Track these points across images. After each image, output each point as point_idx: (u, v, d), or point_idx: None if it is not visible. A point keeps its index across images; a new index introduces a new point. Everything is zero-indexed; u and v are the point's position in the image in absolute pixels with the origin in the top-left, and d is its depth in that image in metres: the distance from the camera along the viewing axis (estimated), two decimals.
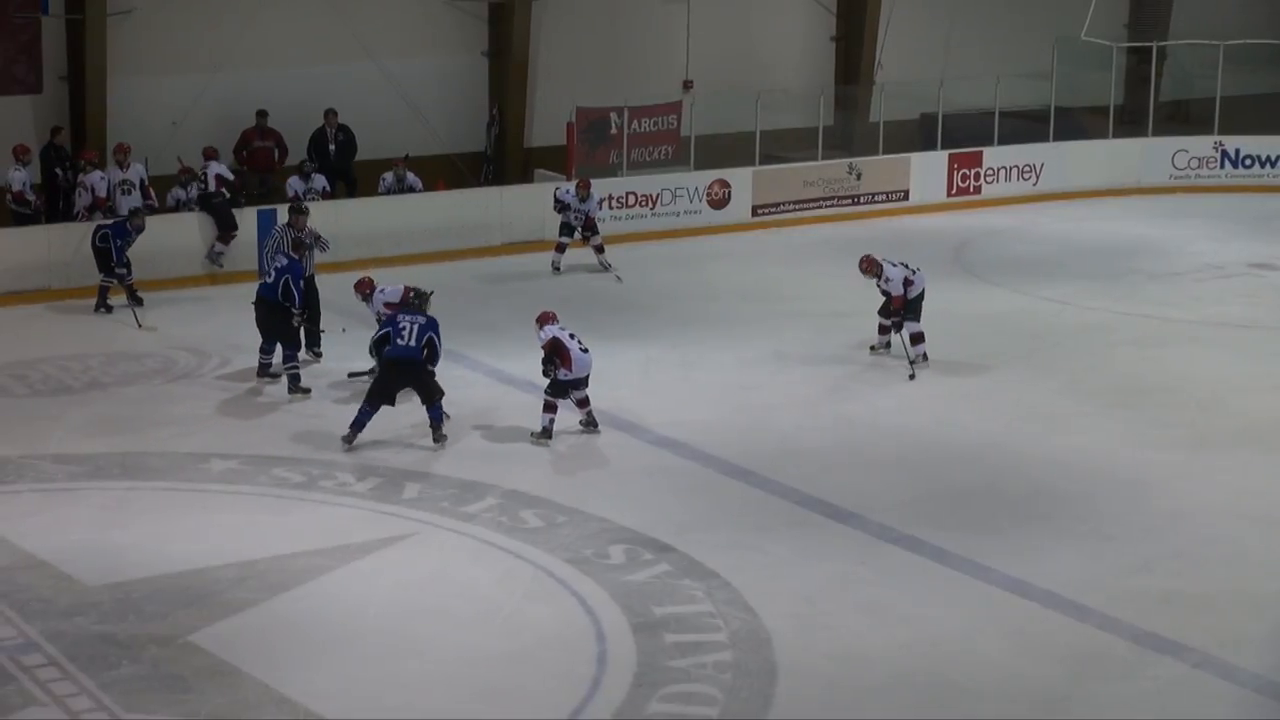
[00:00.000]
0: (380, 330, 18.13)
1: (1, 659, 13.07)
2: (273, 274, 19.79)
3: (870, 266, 20.82)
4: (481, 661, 13.20)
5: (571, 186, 25.76)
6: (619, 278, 25.18)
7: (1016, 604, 14.33)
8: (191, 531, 15.64)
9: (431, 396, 17.92)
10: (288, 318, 19.65)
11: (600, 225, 25.90)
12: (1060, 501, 16.68)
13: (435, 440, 17.89)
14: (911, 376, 20.36)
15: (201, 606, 13.98)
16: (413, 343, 17.75)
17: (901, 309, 20.68)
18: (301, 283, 19.86)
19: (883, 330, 21.09)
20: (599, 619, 13.89)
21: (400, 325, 17.88)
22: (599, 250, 25.66)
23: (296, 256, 20.15)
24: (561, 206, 25.54)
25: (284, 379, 19.79)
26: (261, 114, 27.19)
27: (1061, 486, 17.07)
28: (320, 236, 20.99)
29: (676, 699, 12.62)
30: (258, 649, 13.28)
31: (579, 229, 25.63)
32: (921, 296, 20.84)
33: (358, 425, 17.75)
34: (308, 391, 19.60)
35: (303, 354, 20.28)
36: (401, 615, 13.98)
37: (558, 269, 25.62)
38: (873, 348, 21.24)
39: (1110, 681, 13.06)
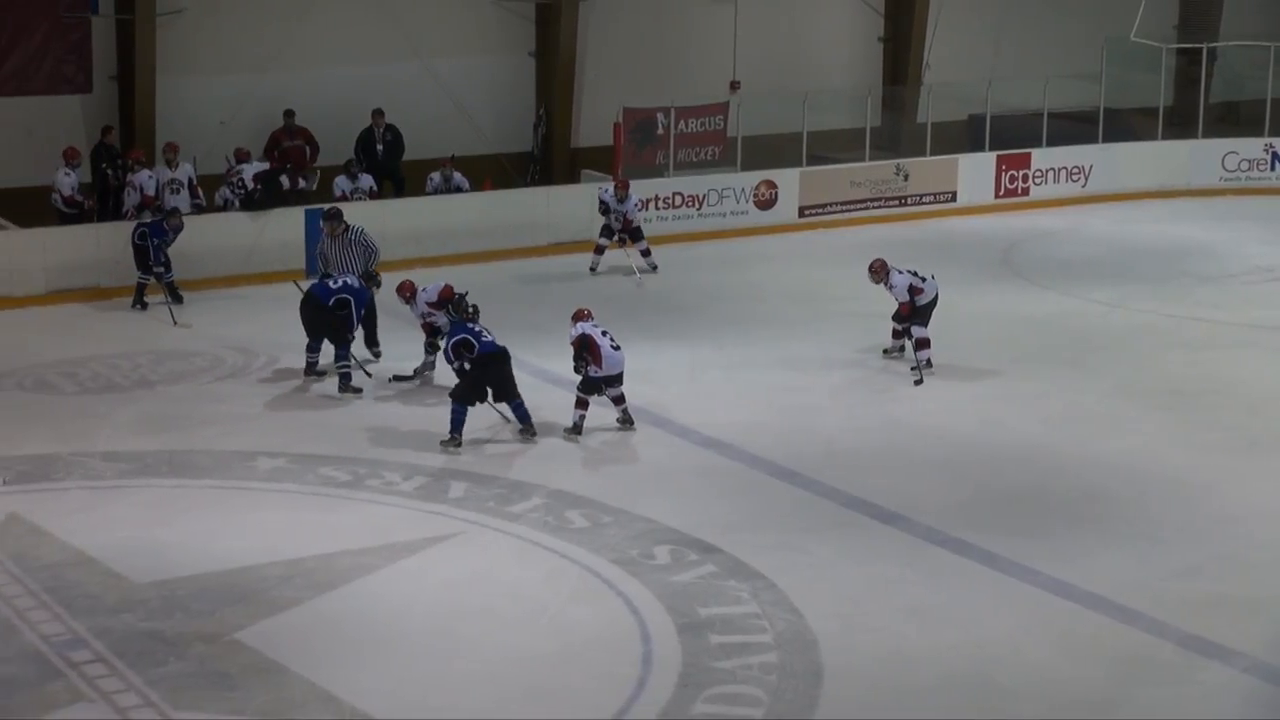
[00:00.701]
0: (456, 336, 18.19)
1: (50, 655, 13.14)
2: (339, 280, 19.84)
3: (878, 271, 20.79)
4: (527, 661, 13.20)
5: (611, 187, 25.78)
6: (639, 283, 25.14)
7: (1063, 607, 14.27)
8: (238, 529, 15.70)
9: (515, 393, 18.09)
10: (333, 316, 19.70)
11: (645, 226, 25.89)
12: (1108, 504, 16.59)
13: (524, 434, 18.11)
14: (917, 382, 20.27)
15: (248, 604, 14.02)
16: (499, 342, 18.08)
17: (908, 315, 20.64)
18: (363, 310, 20.01)
19: (896, 335, 21.07)
20: (644, 619, 13.88)
21: (476, 330, 18.18)
22: (645, 253, 25.65)
23: (368, 286, 20.22)
24: (604, 208, 25.57)
25: (331, 377, 19.87)
26: (289, 113, 27.22)
27: (1110, 489, 16.99)
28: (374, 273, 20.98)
29: (721, 700, 12.60)
30: (303, 647, 13.31)
31: (617, 231, 25.64)
32: (932, 304, 20.71)
33: (458, 426, 17.84)
34: (359, 390, 19.65)
35: (363, 353, 20.47)
36: (447, 615, 13.99)
37: (594, 270, 25.63)
38: (885, 351, 21.22)
39: (1157, 685, 13.00)
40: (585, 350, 18.19)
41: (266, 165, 26.01)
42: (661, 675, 12.94)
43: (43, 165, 25.04)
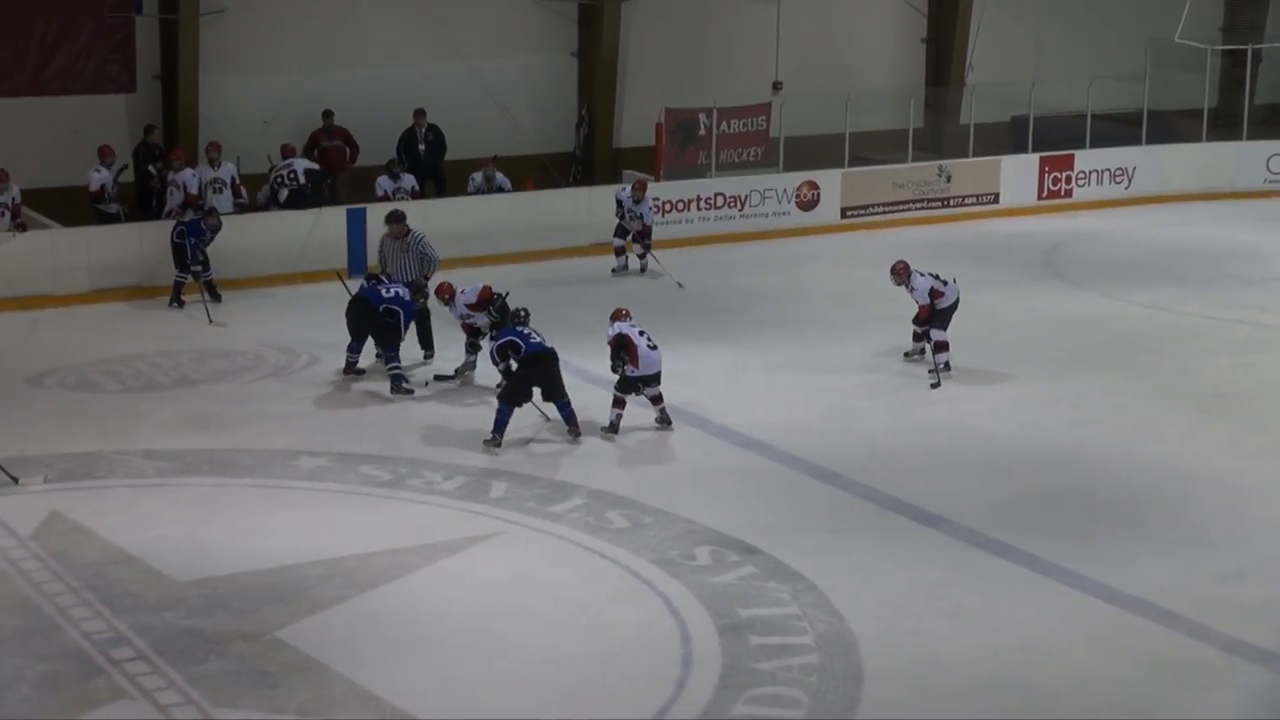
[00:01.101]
0: (503, 338, 18.23)
1: (91, 653, 13.18)
2: (391, 290, 19.87)
3: (900, 273, 20.74)
4: (566, 662, 13.20)
5: (629, 188, 25.74)
6: (647, 270, 25.31)
7: (1105, 610, 14.20)
8: (279, 528, 15.73)
9: (563, 393, 18.13)
10: (381, 320, 19.73)
11: (687, 227, 25.86)
12: (1151, 508, 16.52)
13: (571, 434, 18.12)
14: (934, 385, 20.19)
15: (289, 603, 14.04)
16: (547, 343, 18.13)
17: (928, 319, 20.57)
18: (410, 322, 20.09)
19: (916, 338, 21.00)
20: (684, 620, 13.86)
21: (525, 332, 18.25)
22: (641, 255, 25.60)
23: (416, 299, 20.24)
24: (620, 209, 25.54)
25: (372, 377, 19.95)
26: (327, 114, 27.27)
27: (1152, 493, 16.92)
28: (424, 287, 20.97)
29: (761, 701, 12.58)
30: (344, 646, 13.33)
31: (632, 232, 25.62)
32: (953, 308, 20.65)
33: (500, 426, 17.87)
34: (411, 392, 19.67)
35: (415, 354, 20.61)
36: (487, 614, 13.99)
37: (616, 271, 25.62)
38: (906, 354, 21.14)
39: (1199, 689, 12.94)
40: (622, 349, 18.26)
41: (316, 165, 26.09)
42: (701, 676, 12.92)
43: (87, 165, 25.12)
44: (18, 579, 14.55)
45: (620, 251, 25.77)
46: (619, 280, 25.12)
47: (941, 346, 20.53)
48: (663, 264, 25.37)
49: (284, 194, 25.43)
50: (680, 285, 24.82)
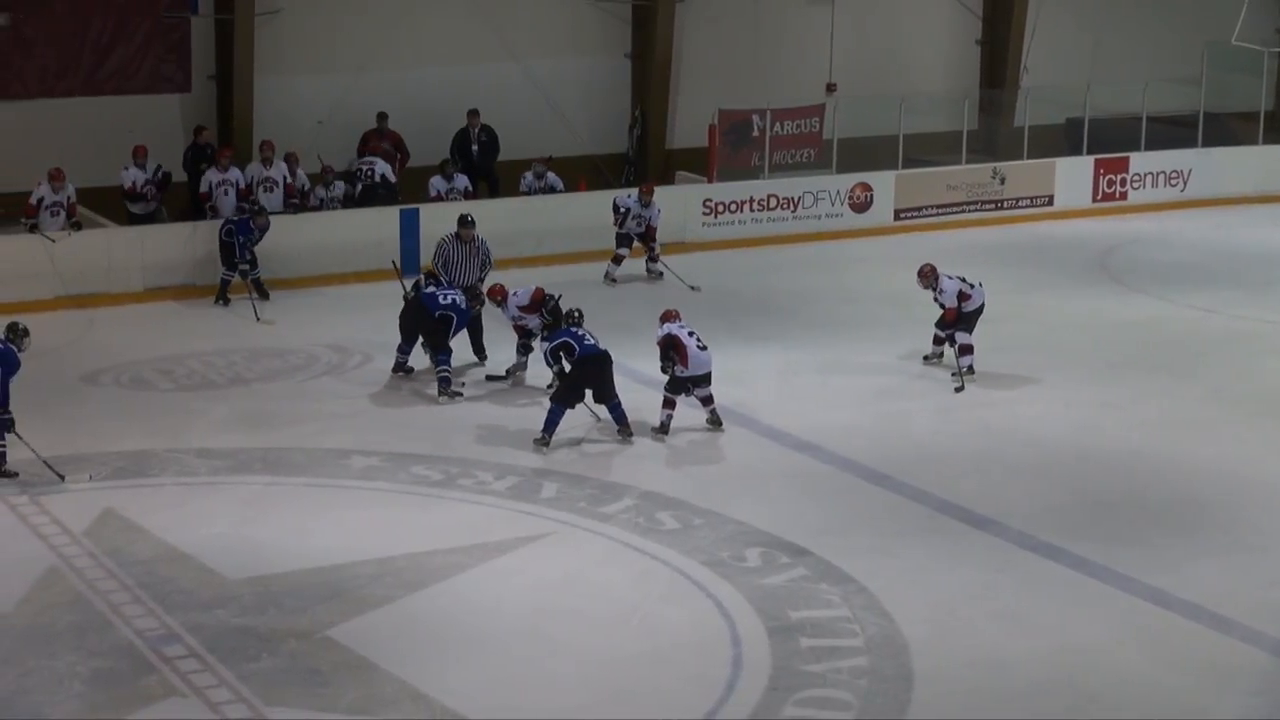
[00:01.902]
0: (558, 339, 18.27)
1: (144, 650, 13.26)
2: (448, 297, 19.90)
3: (928, 275, 20.67)
4: (616, 662, 13.21)
5: (633, 195, 25.57)
6: (661, 273, 25.07)
7: (1158, 614, 14.15)
8: (331, 527, 15.79)
9: (614, 394, 18.17)
10: (434, 323, 19.77)
11: (740, 228, 25.79)
12: (1203, 511, 16.45)
13: (622, 435, 18.15)
14: (958, 389, 20.11)
15: (340, 602, 14.09)
16: (601, 345, 18.16)
17: (954, 321, 20.50)
18: (462, 328, 20.07)
19: (937, 341, 20.93)
20: (734, 622, 13.86)
21: (579, 333, 18.27)
22: (652, 259, 25.37)
23: (471, 306, 20.26)
24: (621, 217, 25.33)
25: (422, 376, 20.05)
26: (381, 116, 27.34)
27: (1205, 496, 16.84)
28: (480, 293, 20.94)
29: (811, 704, 12.56)
30: (394, 645, 13.37)
31: (637, 238, 25.37)
32: (978, 312, 20.54)
33: (551, 426, 17.92)
34: (459, 394, 19.69)
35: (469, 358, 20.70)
36: (537, 615, 14.02)
37: (614, 280, 25.23)
38: (926, 357, 21.05)
39: (1251, 695, 12.88)
40: (671, 350, 18.30)
41: (394, 176, 26.22)
42: (751, 678, 12.92)
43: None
44: (71, 576, 14.64)
45: (619, 260, 25.44)
46: (670, 281, 24.96)
47: (966, 349, 20.44)
48: (671, 268, 25.21)
49: (359, 188, 25.56)
50: (695, 288, 24.59)
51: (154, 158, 25.12)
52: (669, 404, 18.40)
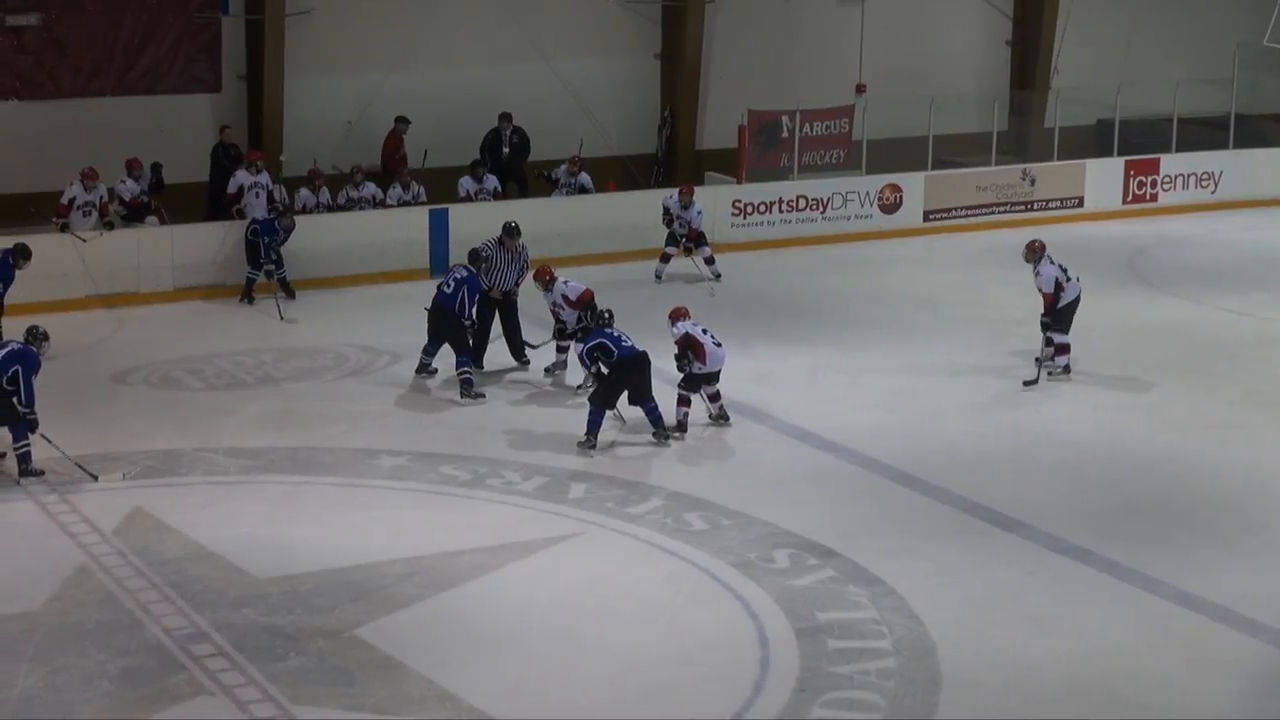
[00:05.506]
0: (593, 341, 18.25)
1: (172, 648, 13.29)
2: (451, 284, 19.93)
3: (1036, 250, 20.56)
4: (644, 663, 13.21)
5: (676, 194, 25.58)
6: (712, 292, 24.72)
7: (1187, 618, 14.10)
8: (359, 527, 15.80)
9: (650, 396, 18.18)
10: (460, 327, 19.81)
11: (770, 230, 25.74)
12: (1234, 515, 16.39)
13: (658, 437, 18.12)
14: (1030, 383, 20.08)
15: (368, 601, 14.11)
16: (638, 347, 18.16)
17: (1051, 309, 20.38)
18: (477, 295, 20.02)
19: (1047, 342, 20.56)
20: (762, 623, 13.85)
21: (615, 335, 18.24)
22: (708, 261, 25.35)
23: (498, 294, 20.30)
24: (668, 216, 25.40)
25: (432, 374, 20.26)
26: (401, 120, 27.35)
27: (1235, 499, 16.78)
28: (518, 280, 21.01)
29: (839, 705, 12.55)
30: (422, 644, 13.38)
31: (683, 239, 25.41)
32: (1073, 307, 20.48)
33: (594, 429, 17.93)
34: (481, 396, 19.69)
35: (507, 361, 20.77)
36: (565, 615, 14.02)
37: (659, 278, 25.35)
38: (1037, 359, 20.75)
39: None
40: (689, 348, 18.29)
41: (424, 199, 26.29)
42: (779, 679, 12.91)
43: (173, 163, 25.30)
44: (100, 574, 14.69)
45: (666, 259, 25.50)
46: (699, 282, 24.97)
47: (1063, 349, 20.37)
48: (702, 269, 25.23)
49: (400, 197, 25.64)
50: (712, 295, 24.55)
51: (183, 157, 25.22)
52: (684, 401, 18.43)
